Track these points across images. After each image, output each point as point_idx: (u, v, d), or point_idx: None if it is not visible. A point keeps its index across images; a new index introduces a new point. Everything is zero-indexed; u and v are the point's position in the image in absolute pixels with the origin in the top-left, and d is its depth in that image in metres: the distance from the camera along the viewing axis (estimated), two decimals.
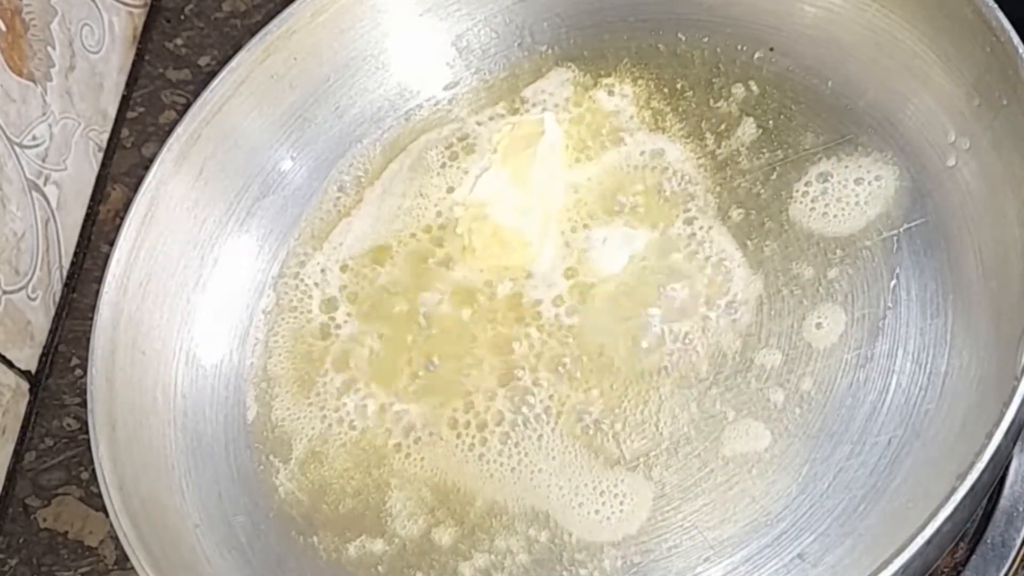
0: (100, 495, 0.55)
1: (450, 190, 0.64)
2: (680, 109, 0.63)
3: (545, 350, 0.58)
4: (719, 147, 0.61)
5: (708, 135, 0.61)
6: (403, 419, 0.58)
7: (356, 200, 0.65)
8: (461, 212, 0.63)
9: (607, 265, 0.59)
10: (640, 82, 0.64)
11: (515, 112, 0.65)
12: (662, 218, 0.60)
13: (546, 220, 0.61)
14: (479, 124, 0.65)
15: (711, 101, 0.62)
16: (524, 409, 0.57)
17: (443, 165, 0.65)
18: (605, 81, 0.65)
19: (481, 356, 0.59)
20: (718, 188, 0.60)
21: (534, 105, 0.65)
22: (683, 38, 0.64)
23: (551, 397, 0.57)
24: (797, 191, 0.58)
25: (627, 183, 0.61)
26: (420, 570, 0.55)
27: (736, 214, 0.59)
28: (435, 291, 0.61)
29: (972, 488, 0.45)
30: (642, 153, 0.62)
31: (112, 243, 0.61)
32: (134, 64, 0.80)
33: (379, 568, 0.56)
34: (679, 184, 0.61)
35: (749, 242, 0.58)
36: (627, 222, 0.60)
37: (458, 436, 0.57)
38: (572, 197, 0.62)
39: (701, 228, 0.59)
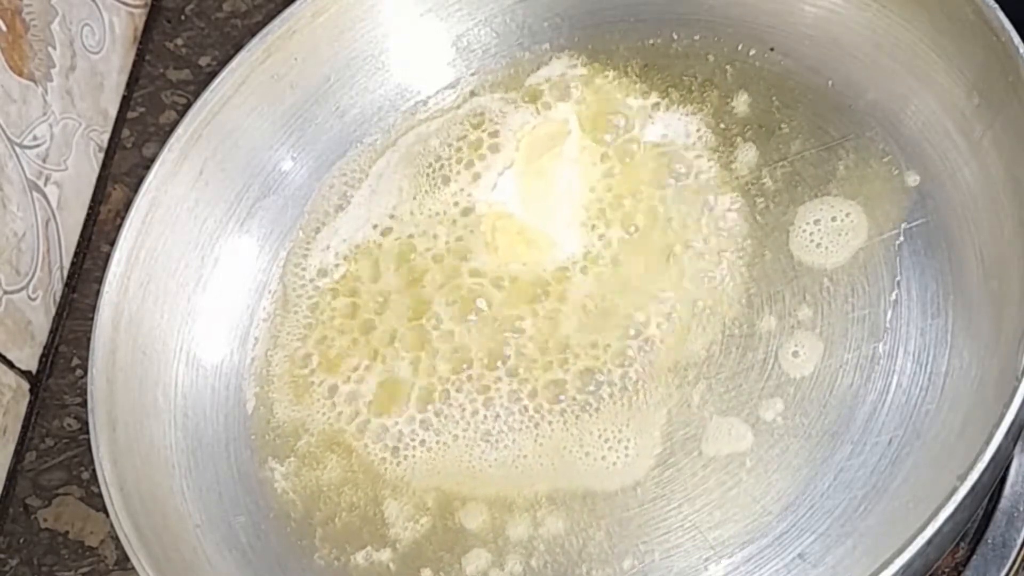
0: (100, 495, 0.55)
1: (447, 187, 0.64)
2: (686, 107, 0.63)
3: (547, 357, 0.58)
4: (728, 149, 0.61)
5: (715, 135, 0.61)
6: (402, 420, 0.58)
7: (355, 200, 0.65)
8: (485, 210, 0.63)
9: (610, 266, 0.60)
10: (646, 81, 0.64)
11: (521, 110, 0.65)
12: (670, 224, 0.60)
13: (570, 220, 0.61)
14: (479, 123, 0.65)
15: (717, 100, 0.62)
16: (520, 407, 0.57)
17: (440, 163, 0.65)
18: (610, 75, 0.65)
19: (477, 356, 0.59)
20: (723, 192, 0.60)
21: (536, 101, 0.65)
22: (683, 38, 0.64)
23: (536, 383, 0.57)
24: (800, 219, 0.58)
25: (637, 185, 0.61)
26: (428, 567, 0.55)
27: (737, 219, 0.59)
28: (435, 291, 0.61)
29: (973, 488, 0.45)
30: (650, 149, 0.62)
31: (113, 243, 0.61)
32: (135, 64, 0.80)
33: (390, 567, 0.56)
34: (688, 188, 0.61)
35: (750, 242, 0.58)
36: (638, 224, 0.60)
37: (454, 437, 0.57)
38: (590, 197, 0.62)
39: (706, 231, 0.59)
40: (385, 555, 0.56)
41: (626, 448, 0.55)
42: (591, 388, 0.57)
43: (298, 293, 0.63)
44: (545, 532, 0.55)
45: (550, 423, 0.56)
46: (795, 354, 0.55)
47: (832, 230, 0.57)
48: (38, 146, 0.71)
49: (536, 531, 0.55)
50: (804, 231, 0.58)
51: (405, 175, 0.65)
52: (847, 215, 0.58)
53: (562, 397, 0.57)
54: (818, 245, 0.57)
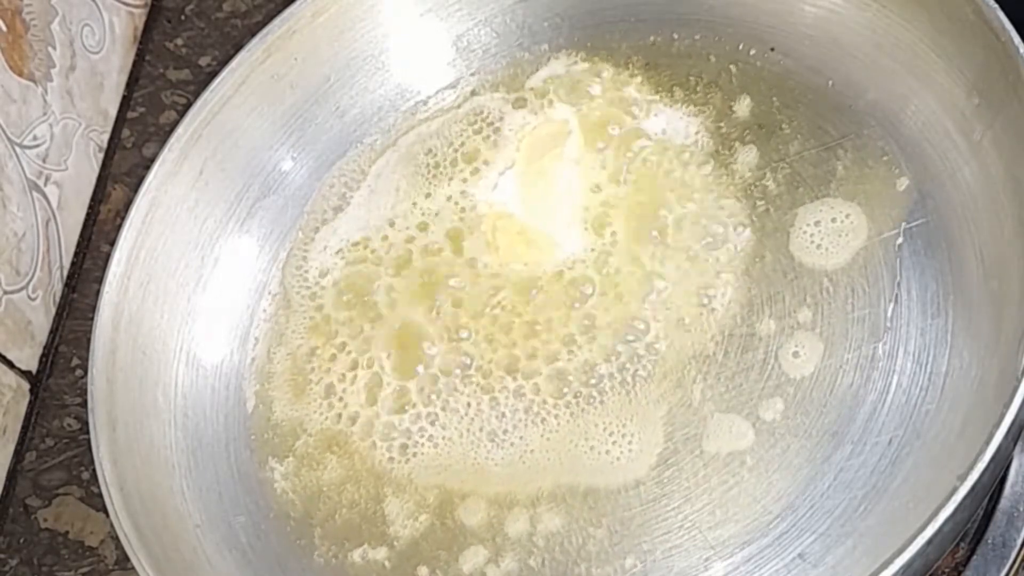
0: (101, 495, 0.55)
1: (447, 187, 0.64)
2: (688, 107, 0.63)
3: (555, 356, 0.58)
4: (728, 151, 0.61)
5: (715, 137, 0.61)
6: (407, 417, 0.58)
7: (355, 200, 0.65)
8: (485, 210, 0.63)
9: (611, 266, 0.60)
10: (647, 81, 0.64)
11: (521, 110, 0.65)
12: (671, 224, 0.60)
13: (570, 220, 0.61)
14: (479, 123, 0.65)
15: (719, 103, 0.62)
16: (525, 405, 0.57)
17: (440, 163, 0.65)
18: (611, 74, 0.65)
19: (476, 356, 0.59)
20: (724, 194, 0.60)
21: (536, 101, 0.65)
22: (684, 38, 0.64)
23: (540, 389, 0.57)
24: (800, 220, 0.58)
25: (638, 185, 0.61)
26: (425, 565, 0.55)
27: (738, 220, 0.59)
28: (435, 291, 0.61)
29: (973, 488, 0.45)
30: (651, 151, 0.62)
31: (113, 243, 0.61)
32: (135, 64, 0.80)
33: (386, 565, 0.56)
34: (689, 189, 0.61)
35: (751, 243, 0.58)
36: (638, 224, 0.60)
37: (460, 434, 0.57)
38: (591, 197, 0.62)
39: (706, 231, 0.59)
40: (381, 553, 0.56)
41: (629, 443, 0.55)
42: (593, 381, 0.57)
43: (298, 293, 0.63)
44: (544, 529, 0.55)
45: (556, 417, 0.56)
46: (795, 354, 0.55)
47: (832, 231, 0.58)
48: (38, 146, 0.71)
49: (535, 528, 0.55)
50: (804, 232, 0.58)
51: (405, 175, 0.65)
52: (847, 216, 0.58)
53: (566, 390, 0.57)
54: (818, 246, 0.57)
